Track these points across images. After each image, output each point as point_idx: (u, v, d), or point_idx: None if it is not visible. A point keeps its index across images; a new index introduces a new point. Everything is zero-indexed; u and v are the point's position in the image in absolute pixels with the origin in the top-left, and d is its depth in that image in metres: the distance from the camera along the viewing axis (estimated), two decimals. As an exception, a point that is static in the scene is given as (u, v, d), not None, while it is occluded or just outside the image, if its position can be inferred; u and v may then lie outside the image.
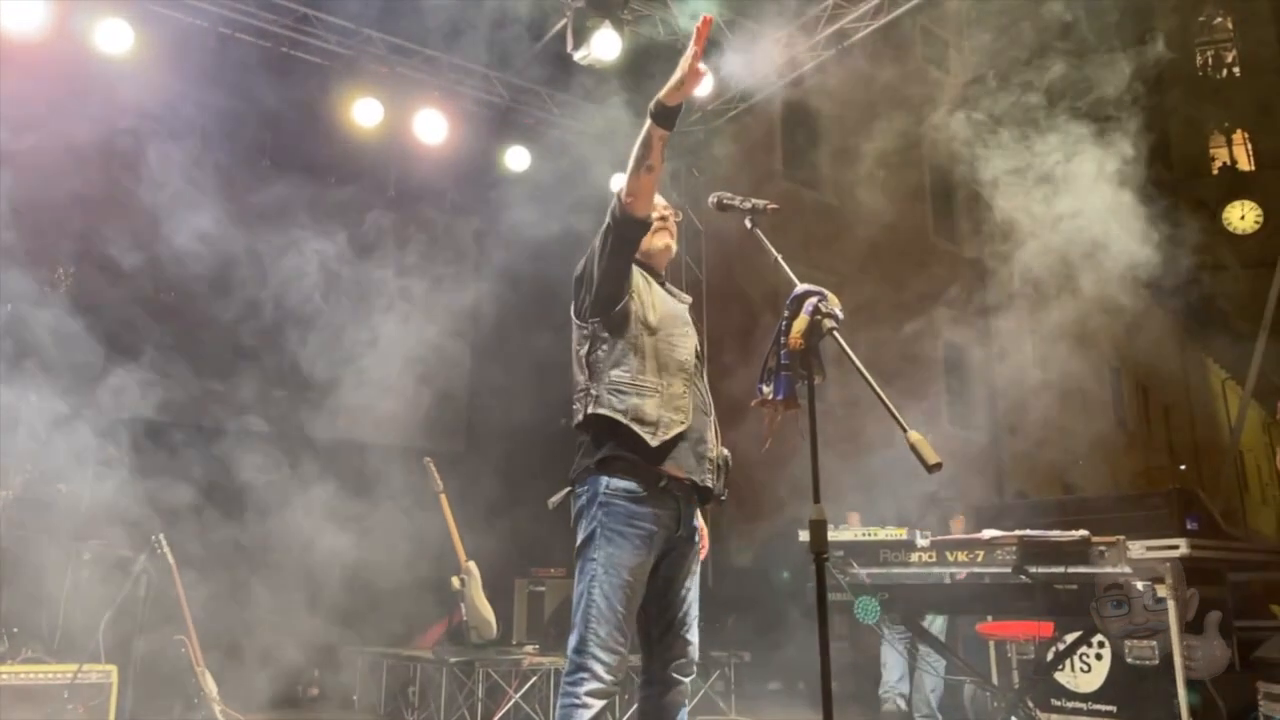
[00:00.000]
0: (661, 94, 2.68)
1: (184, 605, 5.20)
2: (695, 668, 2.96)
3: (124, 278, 6.73)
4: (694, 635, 2.94)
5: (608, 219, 2.88)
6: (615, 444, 2.81)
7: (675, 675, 2.90)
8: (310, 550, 6.44)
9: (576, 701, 2.69)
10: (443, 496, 6.45)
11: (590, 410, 2.85)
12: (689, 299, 3.27)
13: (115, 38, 6.63)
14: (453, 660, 6.17)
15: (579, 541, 2.83)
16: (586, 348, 2.94)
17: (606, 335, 2.91)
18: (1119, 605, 4.85)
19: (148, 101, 6.73)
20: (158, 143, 6.67)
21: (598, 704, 2.69)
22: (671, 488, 2.85)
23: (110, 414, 6.10)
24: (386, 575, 6.79)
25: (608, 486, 2.79)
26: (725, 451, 3.07)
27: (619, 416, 2.81)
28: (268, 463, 6.90)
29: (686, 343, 2.99)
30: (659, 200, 3.13)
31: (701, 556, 3.05)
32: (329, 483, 6.95)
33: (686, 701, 2.94)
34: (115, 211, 6.80)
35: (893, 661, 6.34)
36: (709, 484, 2.92)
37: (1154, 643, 4.68)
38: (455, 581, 6.36)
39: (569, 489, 2.92)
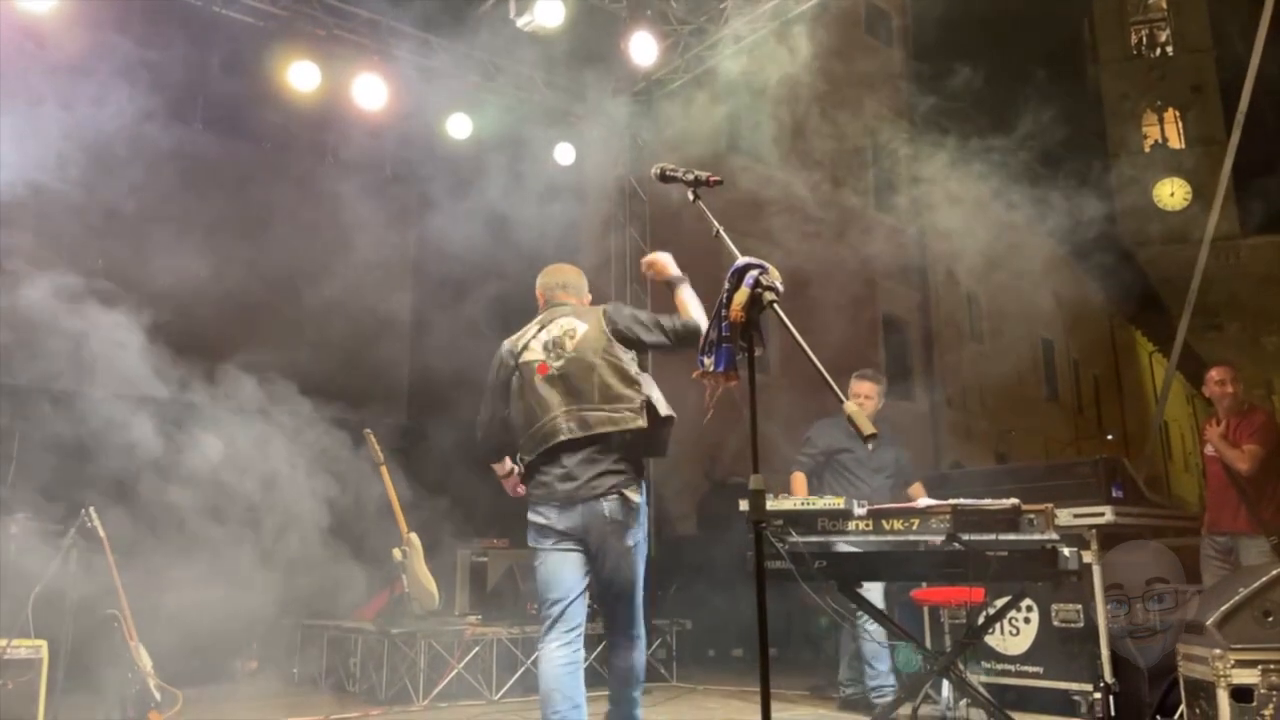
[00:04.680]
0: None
1: (116, 578, 5.10)
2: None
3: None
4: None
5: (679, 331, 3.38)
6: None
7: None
8: (249, 523, 6.34)
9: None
10: (383, 468, 6.39)
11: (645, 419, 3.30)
12: None
13: (37, -7, 6.35)
14: (395, 631, 6.15)
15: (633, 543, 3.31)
16: (635, 364, 3.43)
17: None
18: (1118, 605, 5.04)
19: (72, 61, 6.48)
20: (82, 104, 6.43)
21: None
22: None
23: (40, 383, 5.92)
24: (328, 547, 6.72)
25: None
26: None
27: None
28: (203, 433, 6.76)
29: None
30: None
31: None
32: (268, 454, 6.84)
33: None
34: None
35: (882, 651, 5.62)
36: None
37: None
38: (397, 553, 6.32)
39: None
